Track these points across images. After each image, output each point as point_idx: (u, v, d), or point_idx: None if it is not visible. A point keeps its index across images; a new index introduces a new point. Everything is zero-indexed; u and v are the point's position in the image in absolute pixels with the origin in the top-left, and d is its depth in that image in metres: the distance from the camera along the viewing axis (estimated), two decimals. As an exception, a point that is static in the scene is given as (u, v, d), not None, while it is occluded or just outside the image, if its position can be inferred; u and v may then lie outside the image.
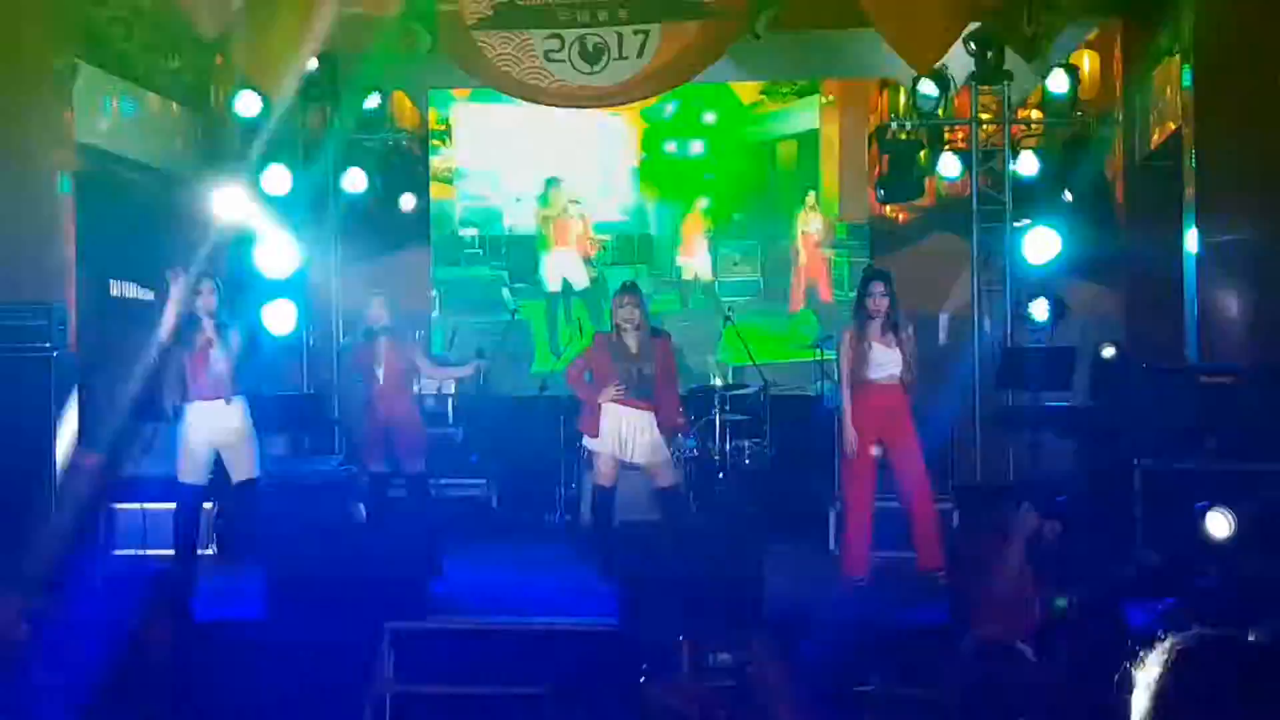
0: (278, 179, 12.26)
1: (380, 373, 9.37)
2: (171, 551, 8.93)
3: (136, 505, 9.83)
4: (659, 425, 9.16)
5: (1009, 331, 11.93)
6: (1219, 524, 7.81)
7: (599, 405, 9.16)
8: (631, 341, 9.16)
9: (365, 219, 13.02)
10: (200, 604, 7.29)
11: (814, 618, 6.20)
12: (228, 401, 8.81)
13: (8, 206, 9.49)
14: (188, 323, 8.78)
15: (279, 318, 11.93)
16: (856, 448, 8.90)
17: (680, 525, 9.11)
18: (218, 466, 9.04)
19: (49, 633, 6.28)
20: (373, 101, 12.44)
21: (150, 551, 9.36)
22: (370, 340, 9.42)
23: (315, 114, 12.79)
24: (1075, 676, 4.92)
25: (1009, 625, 5.78)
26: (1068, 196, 11.68)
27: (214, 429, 8.83)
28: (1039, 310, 11.58)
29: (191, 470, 8.88)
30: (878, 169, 12.85)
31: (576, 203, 13.56)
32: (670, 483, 9.28)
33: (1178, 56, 10.36)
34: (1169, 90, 10.90)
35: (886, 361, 8.87)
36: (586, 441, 9.46)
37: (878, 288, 8.91)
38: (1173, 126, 10.74)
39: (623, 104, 11.99)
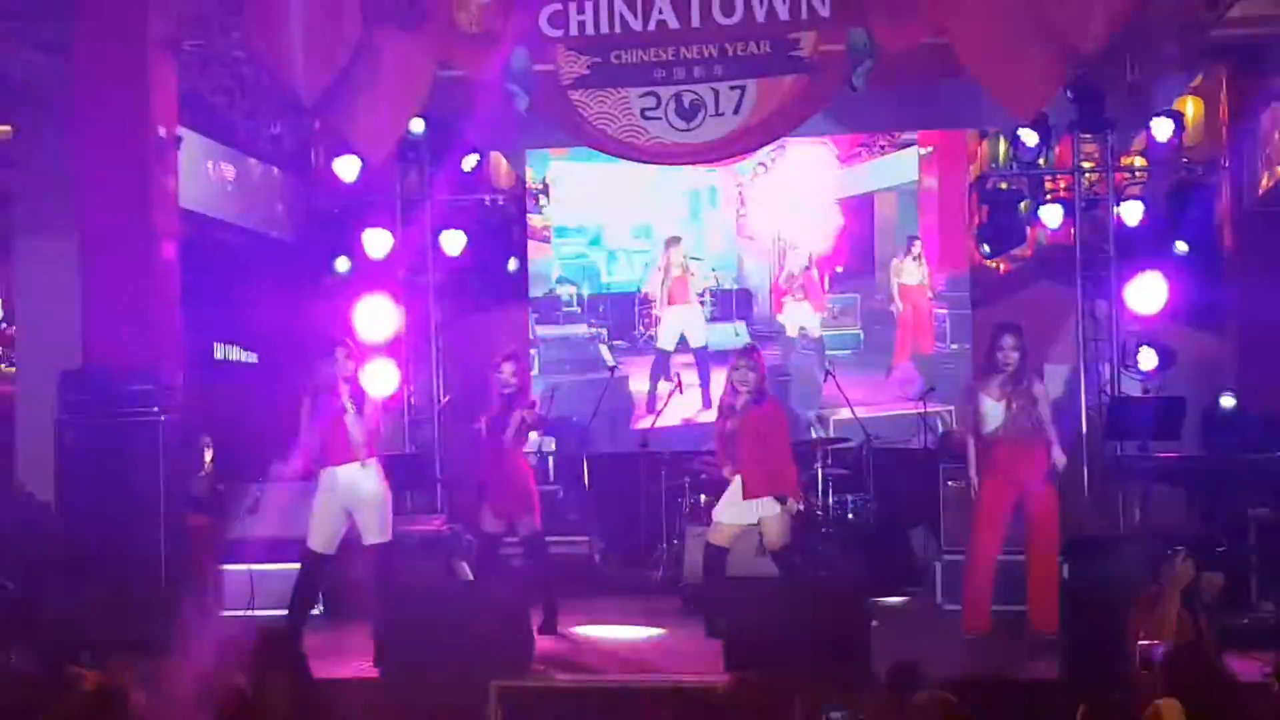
0: (377, 241, 12.40)
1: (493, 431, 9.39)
2: (282, 611, 8.96)
3: (243, 566, 9.89)
4: (760, 487, 9.06)
5: (1116, 382, 11.75)
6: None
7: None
8: (740, 405, 9.16)
9: (464, 279, 13.11)
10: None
11: (924, 672, 6.09)
12: (363, 465, 8.84)
13: (115, 273, 9.64)
14: (322, 387, 8.84)
15: (379, 378, 11.99)
16: (980, 497, 8.82)
17: (786, 581, 9.04)
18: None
19: (167, 695, 6.32)
20: (470, 162, 12.56)
21: (258, 612, 9.40)
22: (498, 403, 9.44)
23: (413, 176, 12.93)
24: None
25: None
26: (1181, 247, 11.49)
27: (349, 493, 8.85)
28: (1146, 360, 11.40)
29: (322, 538, 8.89)
30: (978, 219, 12.75)
31: (697, 259, 13.55)
32: (779, 545, 9.18)
33: (1287, 102, 10.22)
34: (1277, 135, 10.74)
35: (995, 415, 8.81)
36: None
37: (1008, 340, 8.88)
38: (1281, 173, 10.59)
39: (720, 160, 11.98)
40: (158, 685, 6.62)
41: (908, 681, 5.82)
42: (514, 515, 9.41)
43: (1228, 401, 11.17)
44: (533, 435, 11.49)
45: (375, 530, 8.89)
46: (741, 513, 9.13)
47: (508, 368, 9.43)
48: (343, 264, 12.40)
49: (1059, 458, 8.91)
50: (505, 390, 9.40)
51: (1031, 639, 8.56)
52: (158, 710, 6.18)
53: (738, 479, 9.11)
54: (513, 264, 13.21)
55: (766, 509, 9.08)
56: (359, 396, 8.84)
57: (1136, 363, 11.46)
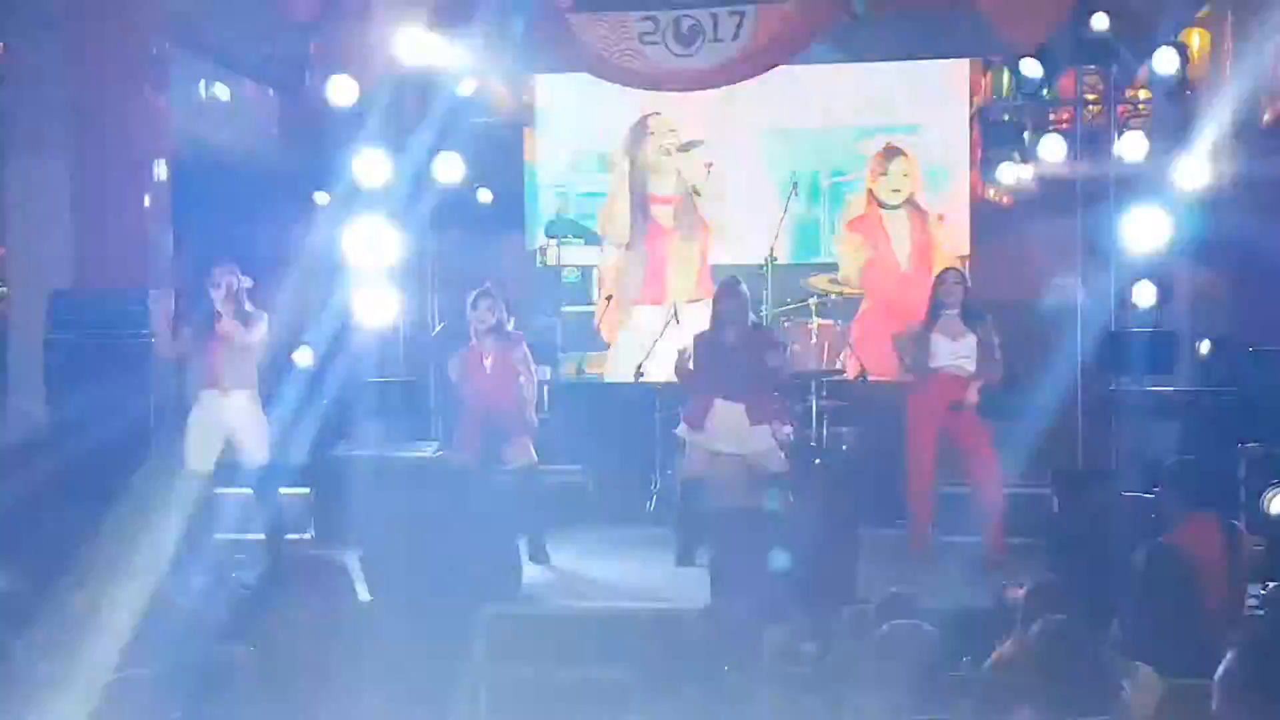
0: (372, 166, 12.27)
1: (487, 370, 9.33)
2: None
3: (239, 490, 9.84)
4: (757, 415, 9.10)
5: (1114, 316, 11.68)
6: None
7: (703, 398, 9.14)
8: (731, 336, 9.12)
9: (461, 204, 13.00)
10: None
11: (907, 602, 6.08)
12: (244, 390, 8.75)
13: (107, 195, 9.57)
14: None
15: (371, 306, 11.98)
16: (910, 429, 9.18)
17: (777, 512, 9.02)
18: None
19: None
20: (468, 86, 12.41)
21: (253, 535, 9.36)
22: (476, 342, 9.38)
23: (411, 99, 12.79)
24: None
25: None
26: (1175, 179, 11.41)
27: (228, 416, 8.75)
28: (1144, 294, 11.33)
29: (196, 459, 8.83)
30: (980, 151, 12.62)
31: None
32: (777, 469, 9.21)
33: (1290, 32, 10.10)
34: (1281, 67, 10.64)
35: (942, 352, 8.86)
36: (682, 431, 9.43)
37: (950, 276, 8.98)
38: (1285, 104, 10.48)
39: (718, 86, 11.82)
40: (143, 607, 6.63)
41: (893, 612, 5.80)
42: (507, 450, 9.40)
43: (1223, 336, 11.13)
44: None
45: (253, 453, 8.80)
46: (736, 441, 9.13)
47: (483, 304, 9.36)
48: (337, 186, 12.30)
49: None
50: (480, 327, 9.34)
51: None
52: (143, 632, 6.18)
53: (727, 406, 9.08)
54: (507, 193, 13.07)
55: (756, 442, 9.10)
56: (243, 319, 8.73)
57: (1134, 297, 11.39)
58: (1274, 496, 7.82)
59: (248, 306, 8.90)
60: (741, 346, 9.12)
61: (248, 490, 9.22)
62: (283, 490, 9.58)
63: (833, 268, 13.14)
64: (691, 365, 9.35)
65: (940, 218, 12.94)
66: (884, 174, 12.98)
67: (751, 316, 9.51)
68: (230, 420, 8.78)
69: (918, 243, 12.92)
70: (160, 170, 9.81)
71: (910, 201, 12.96)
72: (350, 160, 12.20)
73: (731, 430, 9.14)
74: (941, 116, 12.89)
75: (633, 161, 13.19)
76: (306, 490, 10.14)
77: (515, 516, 9.03)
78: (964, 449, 9.04)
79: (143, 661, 5.71)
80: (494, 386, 9.35)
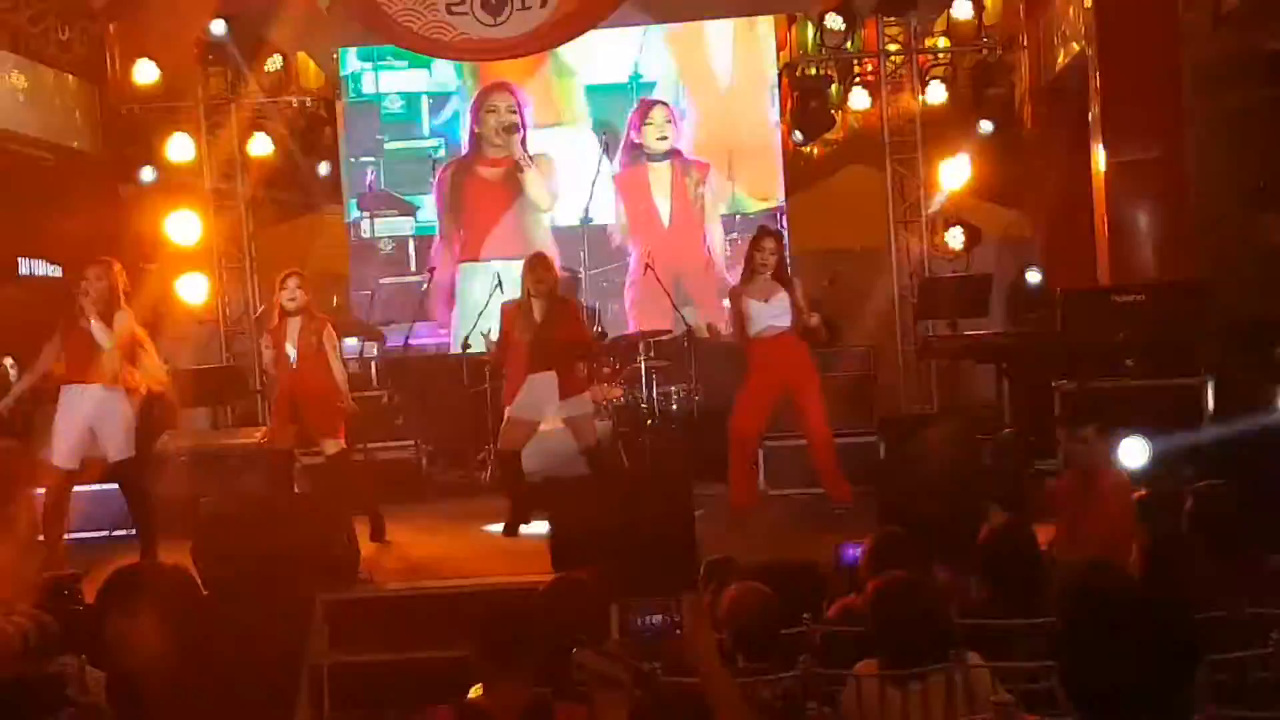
0: (181, 148, 12.09)
1: (293, 353, 9.18)
2: (100, 533, 8.78)
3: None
4: (567, 386, 9.15)
5: (926, 262, 11.95)
6: (1134, 452, 7.92)
7: (516, 371, 9.17)
8: (538, 310, 9.12)
9: (276, 185, 12.84)
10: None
11: (740, 562, 6.20)
12: (108, 388, 8.64)
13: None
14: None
15: (191, 289, 11.78)
16: (744, 388, 9.17)
17: (610, 477, 9.09)
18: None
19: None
20: (273, 64, 12.25)
21: (74, 535, 9.17)
22: (281, 320, 9.23)
23: (217, 80, 12.59)
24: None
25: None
26: (984, 126, 11.69)
27: (93, 410, 8.65)
28: (953, 239, 11.62)
29: (61, 454, 8.70)
30: (790, 106, 12.79)
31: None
32: (589, 442, 9.26)
33: (1081, -23, 10.39)
34: (1072, 11, 10.93)
35: (759, 315, 8.99)
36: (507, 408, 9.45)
37: (767, 244, 9.03)
38: (1077, 48, 10.77)
39: (529, 54, 11.80)
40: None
41: (722, 575, 5.89)
42: (319, 434, 9.28)
43: (1033, 277, 11.43)
44: (350, 341, 11.41)
45: (118, 448, 8.69)
46: (545, 410, 9.20)
47: (292, 283, 9.22)
48: (147, 173, 12.07)
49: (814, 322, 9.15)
50: (290, 305, 9.19)
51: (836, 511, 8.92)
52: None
53: (533, 379, 9.13)
54: (324, 168, 12.92)
55: (569, 412, 9.17)
56: (108, 317, 8.60)
57: (944, 242, 11.68)
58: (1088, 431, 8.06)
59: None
60: (547, 319, 9.13)
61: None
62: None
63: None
64: (502, 338, 9.36)
65: (703, 168, 12.92)
66: (649, 124, 12.98)
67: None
68: (96, 415, 8.63)
69: (680, 196, 12.93)
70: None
71: (674, 152, 12.95)
72: (159, 144, 12.00)
73: (546, 401, 9.18)
74: (750, 72, 12.99)
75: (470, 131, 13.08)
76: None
77: (345, 500, 8.93)
78: (799, 403, 9.16)
79: None
80: (301, 370, 9.21)
